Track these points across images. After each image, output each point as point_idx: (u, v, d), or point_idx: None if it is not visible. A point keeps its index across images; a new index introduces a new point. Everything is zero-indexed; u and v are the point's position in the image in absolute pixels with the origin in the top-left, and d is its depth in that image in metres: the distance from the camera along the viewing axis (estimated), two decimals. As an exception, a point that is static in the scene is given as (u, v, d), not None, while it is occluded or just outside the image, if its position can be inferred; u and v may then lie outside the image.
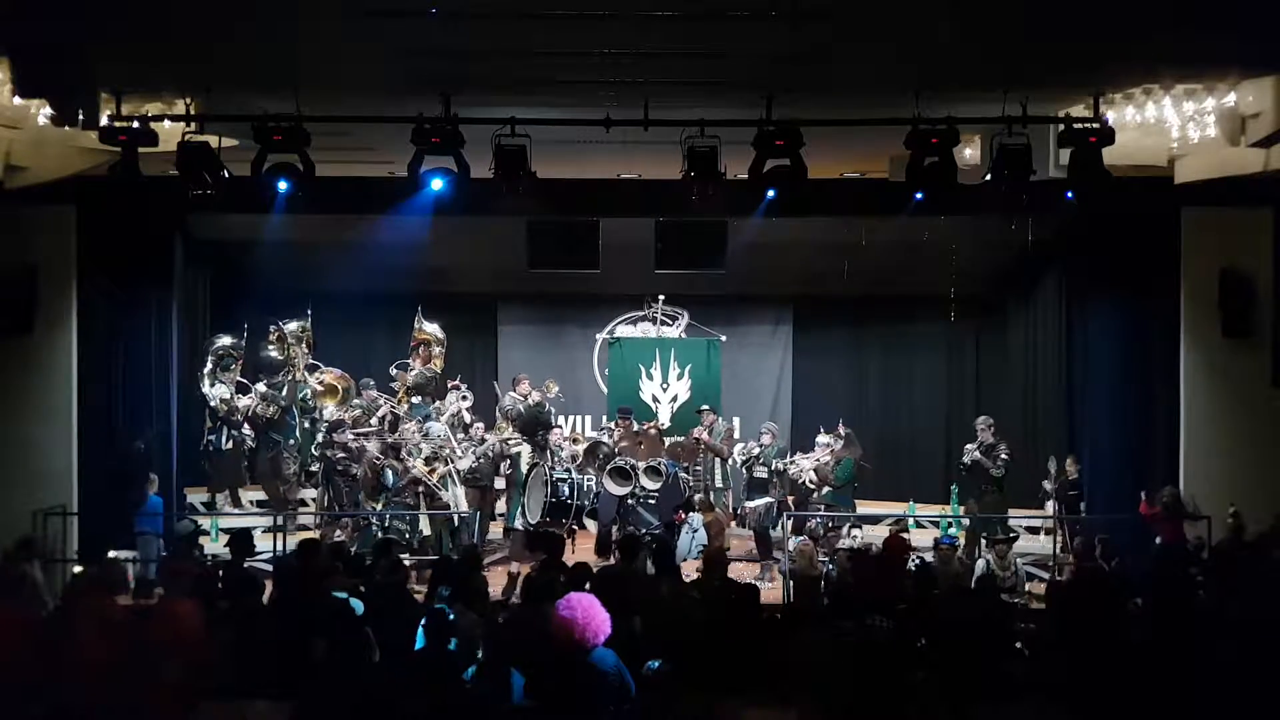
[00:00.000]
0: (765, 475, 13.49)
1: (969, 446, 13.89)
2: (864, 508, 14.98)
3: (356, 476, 13.51)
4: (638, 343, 16.03)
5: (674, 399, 15.59)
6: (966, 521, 13.61)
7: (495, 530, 14.27)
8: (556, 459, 13.14)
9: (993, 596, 9.45)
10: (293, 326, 15.48)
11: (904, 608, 8.39)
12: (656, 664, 6.85)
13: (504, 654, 7.17)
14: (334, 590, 8.21)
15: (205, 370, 15.06)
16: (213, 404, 14.96)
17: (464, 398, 15.07)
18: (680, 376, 15.62)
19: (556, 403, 15.18)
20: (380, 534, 12.50)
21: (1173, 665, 7.53)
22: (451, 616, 7.45)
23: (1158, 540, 12.28)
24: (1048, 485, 14.18)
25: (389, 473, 13.23)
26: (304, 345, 15.50)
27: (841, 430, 13.88)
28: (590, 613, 6.84)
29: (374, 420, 14.63)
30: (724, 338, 15.94)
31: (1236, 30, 8.56)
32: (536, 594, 8.16)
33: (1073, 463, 14.03)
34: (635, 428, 14.28)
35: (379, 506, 13.10)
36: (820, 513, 13.40)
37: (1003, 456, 13.62)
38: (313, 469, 15.06)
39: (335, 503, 13.59)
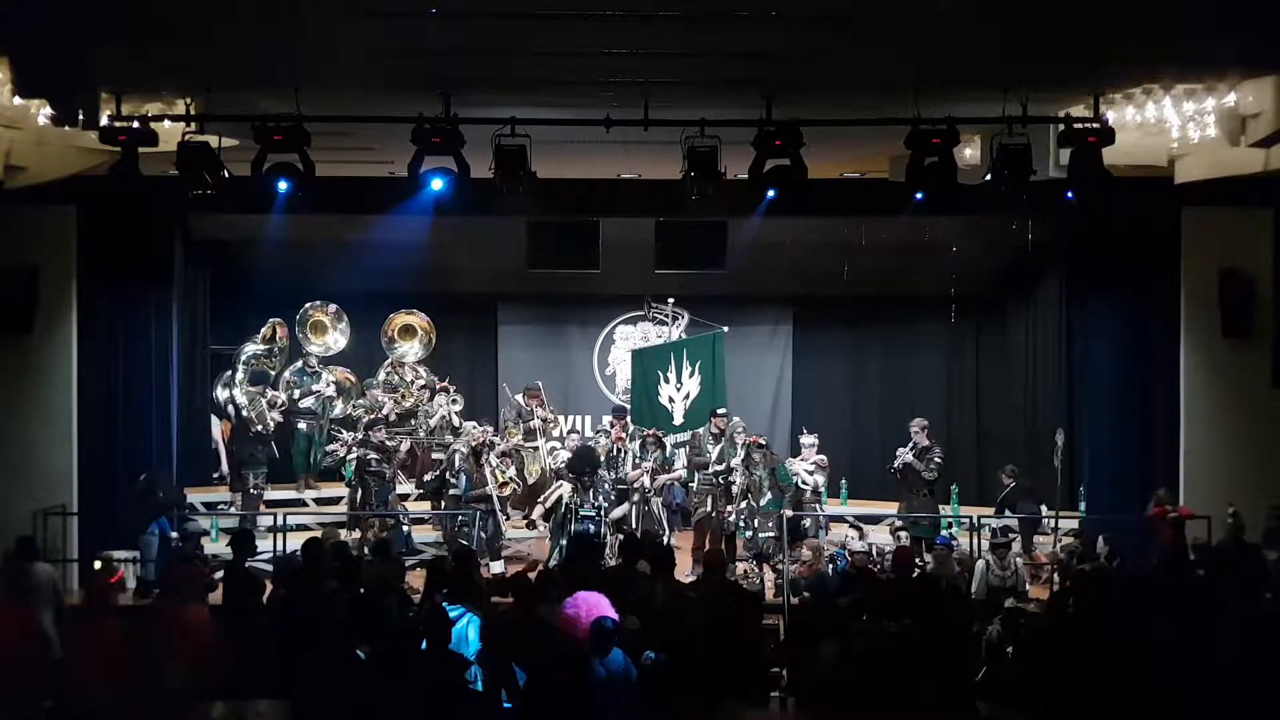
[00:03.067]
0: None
1: (901, 450, 13.83)
2: (864, 508, 15.00)
3: (386, 477, 13.55)
4: (655, 351, 16.01)
5: (686, 396, 15.57)
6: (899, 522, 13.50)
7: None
8: (596, 495, 12.99)
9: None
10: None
11: (922, 613, 8.34)
12: (653, 655, 6.85)
13: (504, 653, 7.18)
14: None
15: (234, 378, 15.11)
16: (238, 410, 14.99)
17: (454, 401, 15.04)
18: (691, 374, 15.61)
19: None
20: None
21: (1173, 664, 7.54)
22: (464, 616, 7.46)
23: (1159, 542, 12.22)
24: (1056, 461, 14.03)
25: (463, 477, 13.26)
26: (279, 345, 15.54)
27: (760, 440, 13.67)
28: (594, 612, 6.80)
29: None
30: (726, 328, 15.91)
31: (1236, 30, 8.56)
32: (526, 595, 8.15)
33: (1009, 474, 13.99)
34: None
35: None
36: (812, 513, 13.47)
37: (936, 460, 13.57)
38: (328, 467, 15.19)
39: (365, 502, 13.58)
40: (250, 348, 15.36)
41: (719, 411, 14.34)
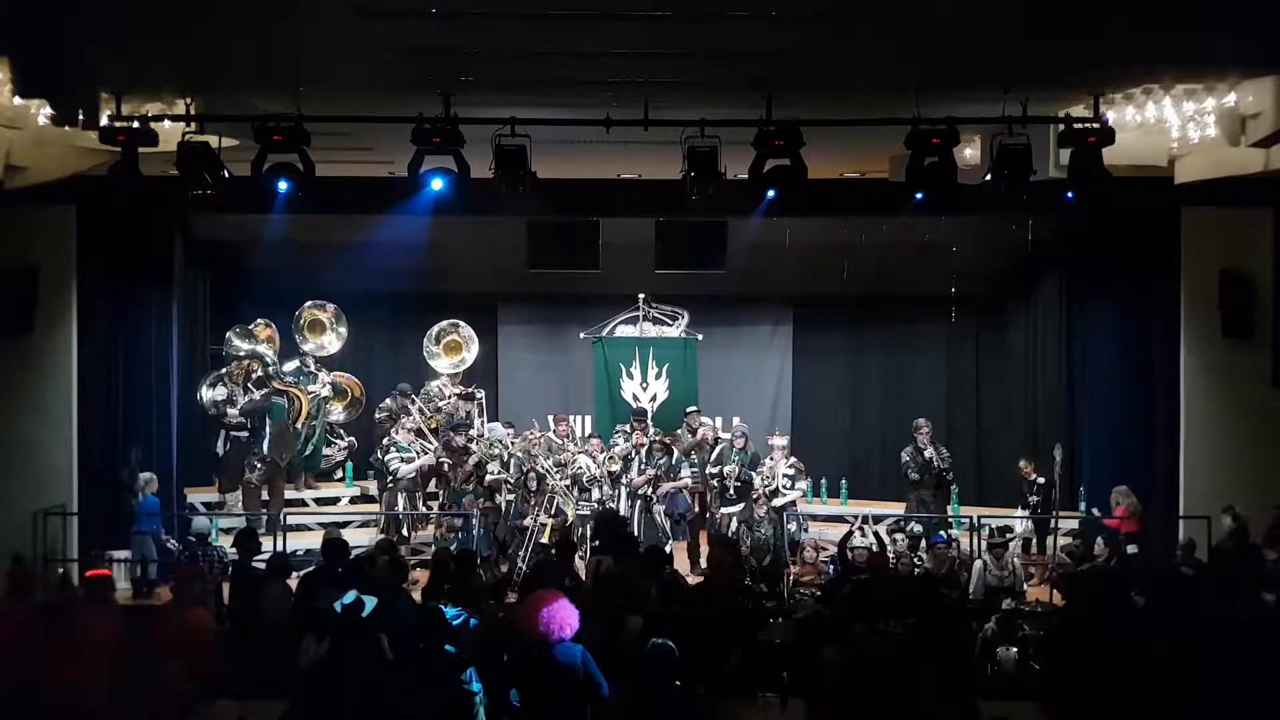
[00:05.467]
0: (739, 484, 13.51)
1: (928, 451, 13.94)
2: (864, 508, 15.00)
3: (450, 480, 13.67)
4: (618, 341, 16.02)
5: (654, 398, 15.60)
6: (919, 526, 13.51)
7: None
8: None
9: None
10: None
11: (921, 613, 8.36)
12: (658, 641, 6.82)
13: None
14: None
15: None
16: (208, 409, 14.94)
17: (481, 413, 15.00)
18: (659, 376, 15.65)
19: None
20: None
21: (1172, 664, 7.55)
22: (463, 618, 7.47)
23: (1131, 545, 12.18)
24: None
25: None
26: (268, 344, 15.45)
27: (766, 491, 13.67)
28: (552, 607, 6.84)
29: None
30: (700, 336, 15.94)
31: (1236, 30, 8.56)
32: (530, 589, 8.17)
33: (1031, 465, 14.02)
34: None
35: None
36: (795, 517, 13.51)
37: (948, 459, 13.99)
38: (324, 469, 15.20)
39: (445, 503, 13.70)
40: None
41: (688, 410, 14.39)
